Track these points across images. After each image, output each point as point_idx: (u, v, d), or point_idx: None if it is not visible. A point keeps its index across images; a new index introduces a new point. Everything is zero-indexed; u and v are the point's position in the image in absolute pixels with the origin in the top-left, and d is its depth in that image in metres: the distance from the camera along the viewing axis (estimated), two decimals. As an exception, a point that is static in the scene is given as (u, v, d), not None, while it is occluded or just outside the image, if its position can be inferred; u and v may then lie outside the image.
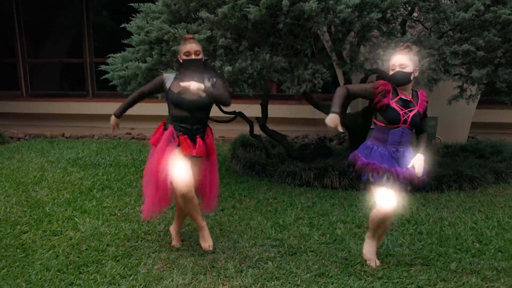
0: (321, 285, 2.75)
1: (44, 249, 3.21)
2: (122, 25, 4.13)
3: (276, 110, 7.22)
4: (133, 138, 7.59)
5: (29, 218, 3.80)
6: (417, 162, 2.74)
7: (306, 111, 6.64)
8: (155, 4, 3.84)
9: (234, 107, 5.27)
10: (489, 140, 6.20)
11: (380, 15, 3.22)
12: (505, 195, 4.46)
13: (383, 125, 2.76)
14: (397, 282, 2.77)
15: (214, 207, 3.29)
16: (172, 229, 3.34)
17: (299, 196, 4.39)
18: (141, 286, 2.71)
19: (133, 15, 4.16)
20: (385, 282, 2.77)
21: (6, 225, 3.63)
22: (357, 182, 2.97)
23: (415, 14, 3.69)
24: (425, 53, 3.46)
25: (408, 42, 3.48)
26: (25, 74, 8.73)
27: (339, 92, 2.71)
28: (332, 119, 2.62)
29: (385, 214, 2.81)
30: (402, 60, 2.69)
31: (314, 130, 7.40)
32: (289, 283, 2.77)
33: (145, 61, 3.76)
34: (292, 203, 4.20)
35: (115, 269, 2.92)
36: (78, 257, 3.09)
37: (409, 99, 2.76)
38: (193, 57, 2.90)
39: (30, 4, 8.34)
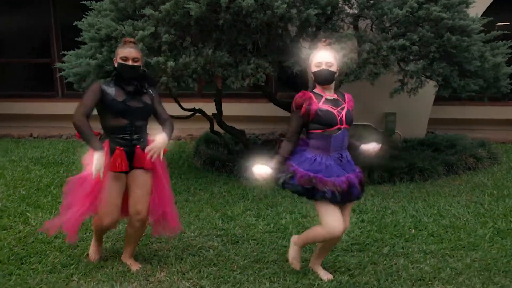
0: (256, 269, 2.86)
1: (-10, 243, 3.25)
2: (75, 23, 4.20)
3: (244, 108, 7.37)
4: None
5: (-20, 214, 3.83)
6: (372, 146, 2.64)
7: (273, 109, 6.78)
8: (103, 1, 3.92)
9: (195, 105, 5.43)
10: (446, 135, 6.41)
11: (317, 11, 3.35)
12: (452, 186, 4.65)
13: (321, 131, 2.49)
14: (329, 266, 2.90)
15: (175, 229, 2.94)
16: (124, 257, 2.98)
17: (253, 190, 4.49)
18: (80, 274, 2.79)
19: (86, 13, 4.23)
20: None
21: (-44, 221, 3.66)
22: (293, 192, 2.59)
23: (355, 11, 3.85)
24: (366, 46, 3.61)
25: (348, 36, 3.63)
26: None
27: (284, 148, 2.56)
28: (262, 171, 2.48)
29: (335, 237, 2.54)
30: (328, 57, 2.48)
31: (281, 127, 7.53)
32: (226, 268, 2.87)
33: (96, 58, 3.83)
34: (245, 195, 4.31)
35: (58, 259, 2.99)
36: (23, 249, 3.15)
37: (335, 98, 2.55)
38: (130, 63, 2.63)
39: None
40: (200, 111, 5.17)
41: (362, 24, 3.97)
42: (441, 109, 7.21)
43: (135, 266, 2.87)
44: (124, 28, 3.50)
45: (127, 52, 2.64)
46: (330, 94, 2.55)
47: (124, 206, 2.81)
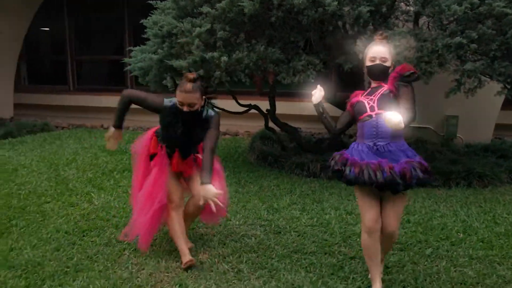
0: (294, 259, 2.94)
1: (59, 216, 3.64)
2: (141, 21, 4.53)
3: (300, 107, 7.42)
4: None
5: (53, 191, 4.27)
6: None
7: (330, 109, 6.78)
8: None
9: (252, 102, 5.59)
10: (514, 141, 6.02)
11: (369, 9, 3.34)
12: (513, 194, 4.38)
13: (357, 120, 2.49)
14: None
15: (219, 220, 3.17)
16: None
17: (301, 185, 4.56)
18: (131, 249, 3.04)
19: (151, 12, 4.54)
20: (357, 262, 2.91)
21: (33, 196, 4.12)
22: (337, 178, 2.53)
23: (410, 8, 3.77)
24: (419, 45, 3.54)
25: (402, 34, 3.58)
26: (72, 70, 9.48)
27: (330, 121, 2.62)
28: (316, 93, 2.54)
29: (368, 229, 2.39)
30: (383, 52, 2.41)
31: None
32: (265, 256, 2.98)
33: (157, 54, 4.12)
34: (292, 190, 4.39)
35: (113, 235, 3.28)
36: (85, 223, 3.49)
37: (376, 85, 2.47)
38: (185, 109, 2.66)
39: (78, 7, 9.09)
40: (255, 107, 5.31)
41: (421, 21, 3.87)
42: (510, 114, 6.76)
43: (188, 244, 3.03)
44: (183, 25, 3.73)
45: (184, 97, 2.64)
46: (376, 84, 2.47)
47: None
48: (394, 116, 2.16)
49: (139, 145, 3.02)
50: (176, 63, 3.70)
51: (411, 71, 2.44)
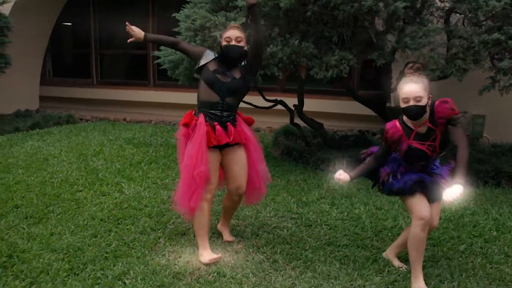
0: (328, 251, 2.96)
1: (92, 204, 3.71)
2: (173, 15, 4.58)
3: (326, 105, 7.44)
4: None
5: (84, 181, 4.35)
6: (452, 193, 2.19)
7: (354, 107, 6.79)
8: (201, -6, 4.25)
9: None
10: (542, 142, 5.92)
11: (405, 4, 3.34)
12: (544, 194, 4.33)
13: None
14: (400, 256, 2.90)
15: (262, 197, 3.18)
16: (220, 227, 3.22)
17: (328, 180, 4.57)
18: (166, 238, 3.10)
19: (183, 5, 4.60)
20: (390, 256, 2.91)
21: (65, 184, 4.21)
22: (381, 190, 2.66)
23: (447, 4, 3.75)
24: (456, 41, 3.52)
25: (437, 31, 3.56)
26: (96, 64, 9.63)
27: (367, 164, 2.59)
28: (342, 177, 2.52)
29: (426, 221, 2.43)
30: (416, 91, 2.31)
31: (359, 126, 7.49)
32: (298, 247, 3.01)
33: (190, 47, 4.16)
34: (320, 185, 4.40)
35: (147, 223, 3.33)
36: (119, 212, 3.56)
37: (427, 128, 2.41)
38: (233, 43, 2.77)
39: (104, 2, 9.21)
40: (282, 102, 5.34)
41: (454, 18, 3.86)
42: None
43: (228, 238, 3.10)
44: (218, 18, 3.77)
45: (231, 33, 2.79)
46: (421, 125, 2.42)
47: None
48: (455, 193, 2.18)
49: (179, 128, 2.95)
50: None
51: (457, 115, 2.38)
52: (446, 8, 3.80)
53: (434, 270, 2.71)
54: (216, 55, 2.87)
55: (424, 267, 2.75)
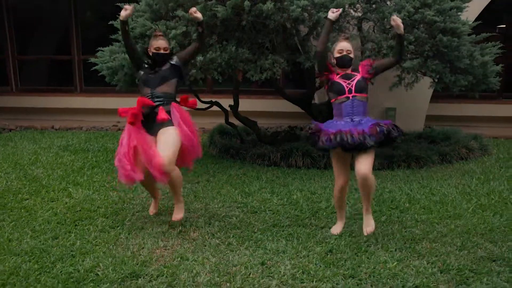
0: (274, 232, 3.39)
1: (44, 210, 3.79)
2: (110, 22, 4.73)
3: (255, 104, 7.92)
4: (119, 129, 8.14)
5: (28, 189, 4.36)
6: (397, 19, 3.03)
7: (281, 105, 7.35)
8: (138, 4, 4.46)
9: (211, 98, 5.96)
10: (442, 129, 6.93)
11: (326, 14, 3.87)
12: (444, 172, 5.17)
13: (334, 100, 3.15)
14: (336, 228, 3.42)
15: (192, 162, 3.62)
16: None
17: (265, 173, 5.03)
18: (126, 233, 3.32)
19: (118, 14, 4.75)
20: (326, 230, 3.42)
21: (9, 194, 4.20)
22: (315, 148, 3.27)
23: (359, 14, 4.38)
24: (369, 45, 4.14)
25: (353, 37, 4.16)
26: (14, 70, 9.19)
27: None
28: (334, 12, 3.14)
29: (340, 188, 3.22)
30: (348, 46, 3.16)
31: (288, 122, 8.08)
32: (248, 230, 3.41)
33: (130, 53, 4.36)
34: (259, 177, 4.84)
35: (105, 223, 3.52)
36: (74, 215, 3.69)
37: (349, 73, 3.17)
38: (161, 52, 3.37)
39: (19, 1, 8.84)
40: (217, 103, 5.69)
41: (365, 26, 4.50)
42: (438, 107, 7.76)
43: (176, 215, 3.46)
44: (158, 27, 4.03)
45: (159, 43, 3.37)
46: (345, 71, 3.18)
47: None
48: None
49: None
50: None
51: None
52: (359, 17, 4.42)
53: (362, 238, 3.25)
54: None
55: (354, 236, 3.29)
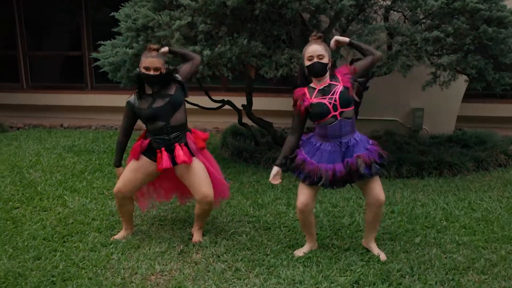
0: (289, 254, 2.91)
1: (32, 222, 3.40)
2: (112, 14, 4.32)
3: (271, 102, 7.43)
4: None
5: (21, 196, 3.99)
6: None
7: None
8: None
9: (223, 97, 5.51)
10: (475, 131, 6.33)
11: (352, 2, 3.37)
12: (481, 181, 4.60)
13: (317, 122, 2.67)
14: (361, 253, 2.93)
15: (228, 193, 3.30)
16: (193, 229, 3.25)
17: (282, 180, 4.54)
18: (119, 253, 2.89)
19: (122, 4, 4.34)
20: (351, 254, 2.92)
21: (-1, 202, 3.83)
22: (291, 174, 2.86)
23: (388, 3, 3.85)
24: (399, 39, 3.61)
25: (381, 29, 3.64)
26: (25, 67, 8.93)
27: (287, 143, 2.79)
28: (274, 175, 2.78)
29: (299, 210, 2.78)
30: (319, 50, 2.60)
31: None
32: (259, 252, 2.94)
33: (132, 48, 3.94)
34: (273, 185, 4.35)
35: (97, 239, 3.11)
36: (64, 228, 3.29)
37: (328, 84, 2.66)
38: (151, 73, 2.79)
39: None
40: (229, 102, 5.24)
41: (395, 16, 3.97)
42: (470, 107, 7.10)
43: (197, 238, 3.11)
44: (161, 17, 3.59)
45: (149, 62, 2.80)
46: (322, 84, 2.67)
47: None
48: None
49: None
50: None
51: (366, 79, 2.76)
52: (388, 6, 3.89)
53: (395, 265, 2.75)
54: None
55: (385, 263, 2.79)
